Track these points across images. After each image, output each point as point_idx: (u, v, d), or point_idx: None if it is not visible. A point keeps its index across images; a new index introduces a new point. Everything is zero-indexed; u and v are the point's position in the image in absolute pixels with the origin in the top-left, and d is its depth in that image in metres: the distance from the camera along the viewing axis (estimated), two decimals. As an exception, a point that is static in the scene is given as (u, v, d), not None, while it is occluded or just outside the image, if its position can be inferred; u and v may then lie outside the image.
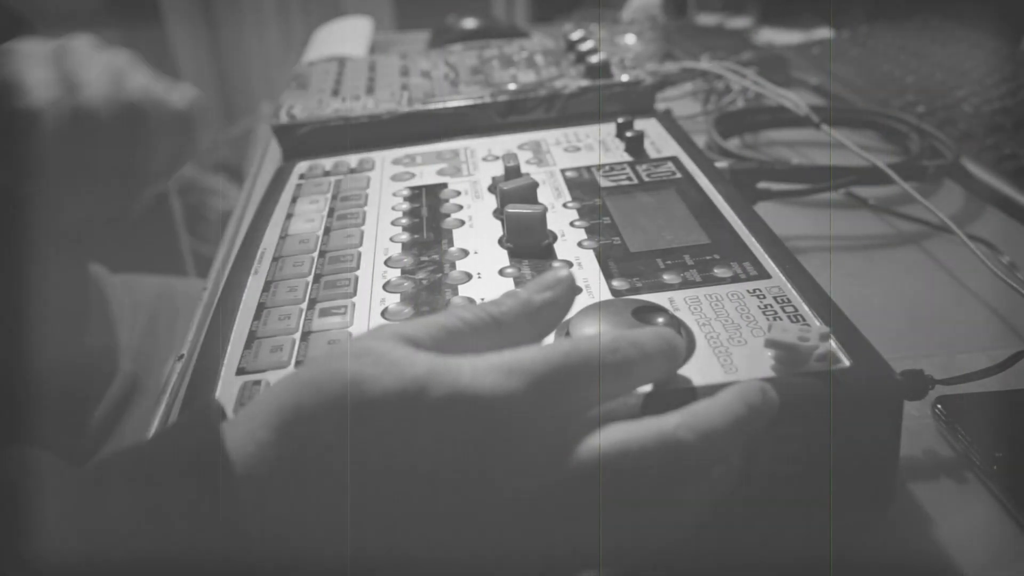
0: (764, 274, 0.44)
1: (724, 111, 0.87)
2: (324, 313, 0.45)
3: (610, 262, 0.47)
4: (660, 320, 0.39)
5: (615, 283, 0.45)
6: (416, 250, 0.51)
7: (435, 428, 0.29)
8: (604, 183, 0.58)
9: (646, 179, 0.58)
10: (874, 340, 0.39)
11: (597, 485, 0.30)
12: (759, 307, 0.42)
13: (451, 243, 0.51)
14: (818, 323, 0.40)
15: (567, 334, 0.39)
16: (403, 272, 0.48)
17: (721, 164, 0.64)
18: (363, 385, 0.30)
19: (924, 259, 0.63)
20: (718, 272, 0.45)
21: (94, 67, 0.55)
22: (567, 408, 0.31)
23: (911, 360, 0.46)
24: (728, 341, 0.39)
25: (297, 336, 0.43)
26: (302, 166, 0.67)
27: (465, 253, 0.50)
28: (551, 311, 0.35)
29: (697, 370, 0.37)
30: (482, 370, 0.30)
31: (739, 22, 1.32)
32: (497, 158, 0.64)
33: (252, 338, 0.43)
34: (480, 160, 0.64)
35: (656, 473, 0.30)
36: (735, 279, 0.44)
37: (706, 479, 0.32)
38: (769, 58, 1.04)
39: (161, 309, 0.91)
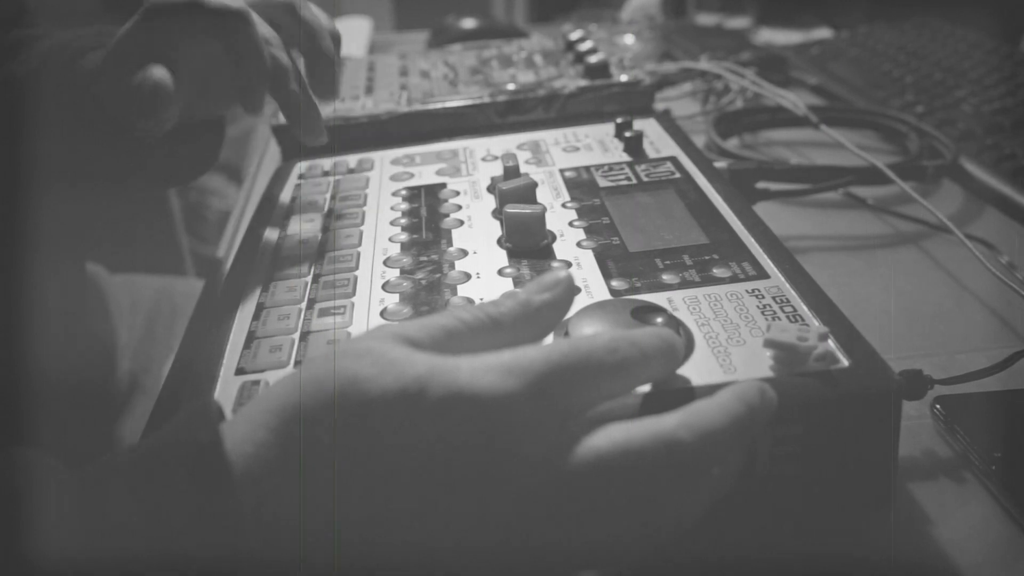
0: (763, 274, 0.44)
1: (723, 111, 0.87)
2: (323, 313, 0.45)
3: (609, 262, 0.47)
4: (659, 320, 0.39)
5: (614, 283, 0.45)
6: (415, 250, 0.51)
7: (434, 428, 0.29)
8: (603, 183, 0.58)
9: (645, 179, 0.58)
10: (873, 340, 0.39)
11: (596, 485, 0.30)
12: (758, 307, 0.42)
13: (450, 243, 0.51)
14: (817, 323, 0.40)
15: (566, 334, 0.39)
16: (402, 272, 0.48)
17: (720, 164, 0.64)
18: (362, 385, 0.30)
19: (923, 259, 0.63)
20: (717, 272, 0.45)
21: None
22: (566, 408, 0.31)
23: (910, 360, 0.47)
24: (727, 341, 0.39)
25: (296, 336, 0.43)
26: (301, 166, 0.67)
27: (464, 253, 0.50)
28: (550, 312, 0.35)
29: (696, 370, 0.37)
30: (481, 370, 0.30)
31: (738, 22, 1.32)
32: (496, 158, 0.64)
33: (251, 338, 0.43)
34: (479, 160, 0.64)
35: (655, 473, 0.30)
36: (734, 279, 0.44)
37: (705, 479, 0.32)
38: (768, 58, 1.03)
39: (160, 309, 0.91)
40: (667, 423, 0.31)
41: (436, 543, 0.30)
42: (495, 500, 0.30)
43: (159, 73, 0.50)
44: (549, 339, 0.37)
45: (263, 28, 0.55)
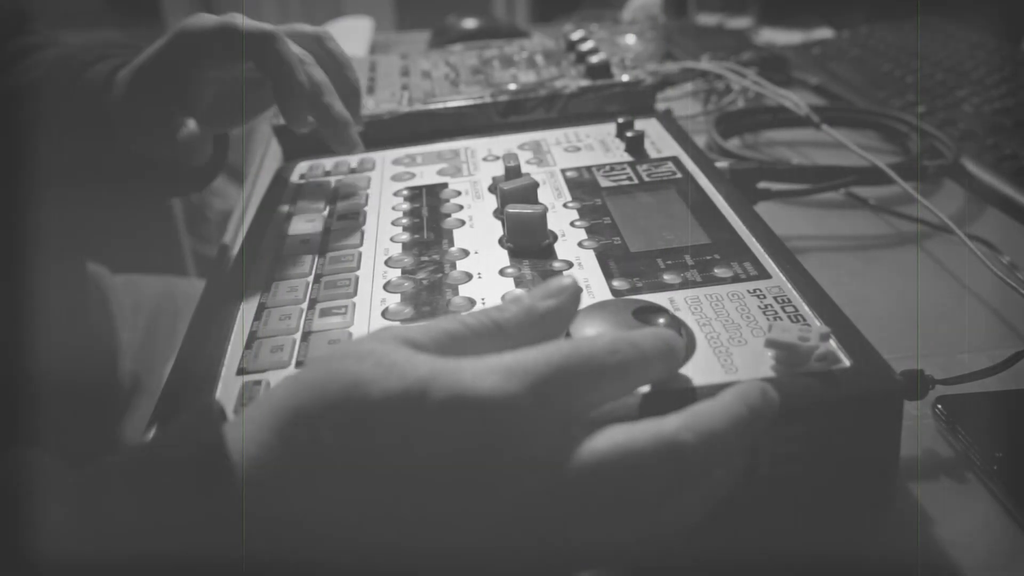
0: (764, 274, 0.44)
1: (724, 111, 0.87)
2: (325, 313, 0.45)
3: (610, 262, 0.47)
4: (661, 321, 0.39)
5: (615, 283, 0.45)
6: (416, 250, 0.51)
7: (436, 430, 0.29)
8: (604, 183, 0.58)
9: (646, 179, 0.58)
10: (874, 340, 0.39)
11: (598, 487, 0.30)
12: (759, 307, 0.42)
13: (451, 243, 0.51)
14: (818, 323, 0.40)
15: (568, 335, 0.39)
16: (404, 272, 0.48)
17: (721, 164, 0.64)
18: (364, 387, 0.30)
19: (924, 259, 0.63)
20: (718, 272, 0.45)
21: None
22: (568, 410, 0.31)
23: (911, 360, 0.46)
24: (728, 341, 0.39)
25: (298, 336, 0.43)
26: (303, 166, 0.67)
27: (465, 253, 0.50)
28: (554, 319, 0.35)
29: (698, 370, 0.37)
30: (483, 372, 0.30)
31: (739, 22, 1.32)
32: (497, 158, 0.64)
33: (252, 338, 0.44)
34: (480, 160, 0.64)
35: (656, 475, 0.30)
36: (735, 279, 0.44)
37: (706, 480, 0.32)
38: (769, 58, 1.04)
39: (162, 309, 0.91)
40: (668, 425, 0.31)
41: (439, 544, 0.30)
42: (496, 501, 0.30)
43: (192, 126, 0.53)
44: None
45: (295, 48, 0.57)
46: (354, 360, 0.31)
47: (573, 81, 0.76)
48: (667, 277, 0.45)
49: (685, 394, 0.36)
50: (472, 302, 0.45)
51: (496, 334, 0.34)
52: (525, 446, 0.30)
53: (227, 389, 0.40)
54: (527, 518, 0.30)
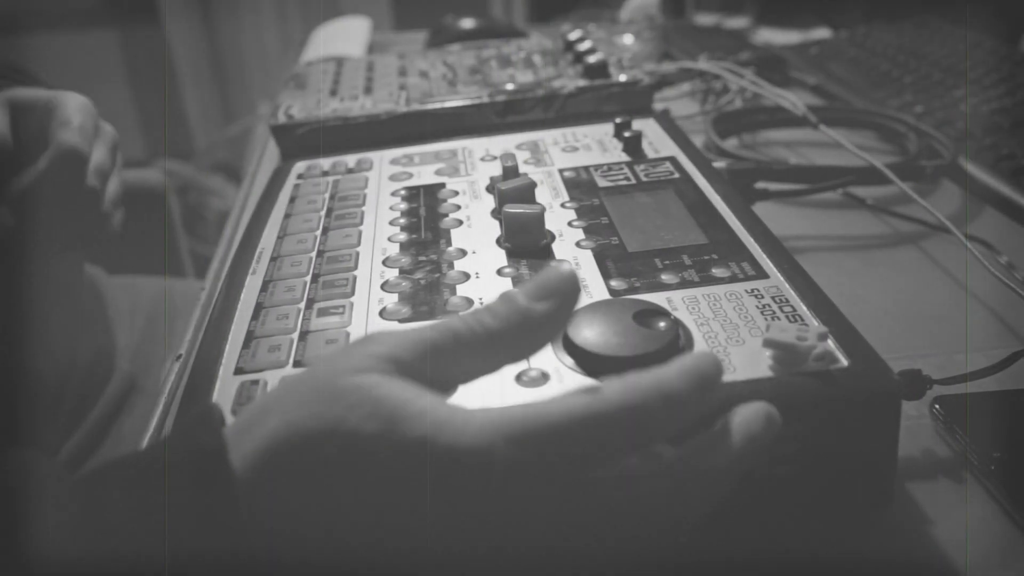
0: (762, 274, 0.44)
1: (722, 111, 0.87)
2: (322, 313, 0.45)
3: (608, 262, 0.47)
4: (661, 324, 0.39)
5: (613, 283, 0.45)
6: (414, 250, 0.51)
7: (426, 481, 0.29)
8: (602, 183, 0.58)
9: (644, 179, 0.58)
10: (872, 340, 0.39)
11: (596, 521, 0.30)
12: (757, 307, 0.42)
13: (449, 243, 0.51)
14: (816, 323, 0.40)
15: (566, 335, 0.39)
16: (401, 272, 0.48)
17: (719, 164, 0.64)
18: (345, 436, 0.29)
19: (922, 259, 0.63)
20: (716, 272, 0.45)
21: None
22: (575, 469, 0.29)
23: (909, 360, 0.47)
24: (726, 341, 0.39)
25: (295, 336, 0.43)
26: (300, 166, 0.67)
27: (463, 253, 0.50)
28: (551, 325, 0.33)
29: (695, 370, 0.37)
30: (488, 430, 0.29)
31: (737, 22, 1.32)
32: (495, 158, 0.64)
33: (250, 338, 0.43)
34: (478, 160, 0.64)
35: (652, 503, 0.30)
36: (733, 279, 0.44)
37: (700, 501, 0.31)
38: (767, 58, 1.04)
39: (159, 310, 0.91)
40: (667, 459, 0.30)
41: (422, 566, 0.30)
42: (492, 535, 0.29)
43: None
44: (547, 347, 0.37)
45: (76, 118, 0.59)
46: (335, 399, 0.30)
47: (571, 81, 0.76)
48: (665, 277, 0.45)
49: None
50: (470, 302, 0.45)
51: (487, 342, 0.32)
52: (527, 501, 0.29)
53: (224, 388, 0.40)
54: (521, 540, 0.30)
